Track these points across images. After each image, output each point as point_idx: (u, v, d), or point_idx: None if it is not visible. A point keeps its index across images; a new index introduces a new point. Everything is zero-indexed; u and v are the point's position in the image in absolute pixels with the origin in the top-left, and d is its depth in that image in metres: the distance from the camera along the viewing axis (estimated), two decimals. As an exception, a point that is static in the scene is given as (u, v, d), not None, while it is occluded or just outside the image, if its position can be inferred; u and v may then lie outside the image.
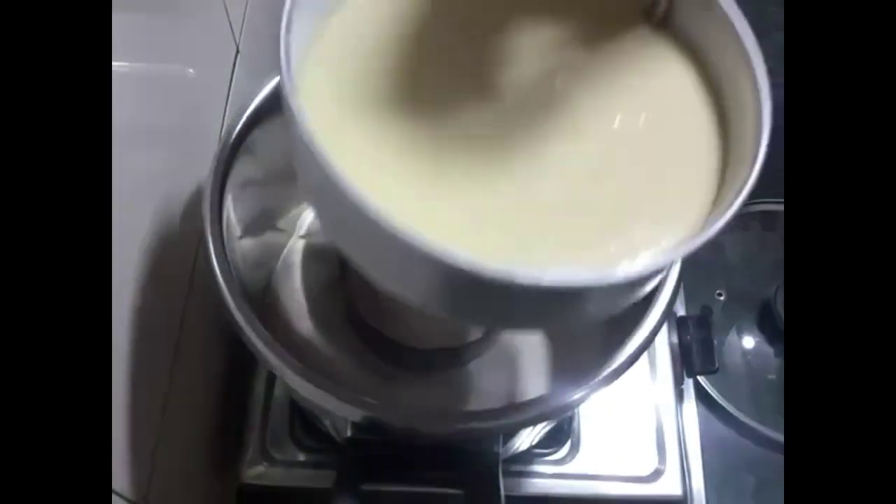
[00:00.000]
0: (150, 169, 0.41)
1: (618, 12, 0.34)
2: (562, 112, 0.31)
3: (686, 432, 0.56)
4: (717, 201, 0.29)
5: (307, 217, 0.55)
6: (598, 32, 0.34)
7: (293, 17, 0.28)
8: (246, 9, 0.56)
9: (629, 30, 0.34)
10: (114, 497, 0.35)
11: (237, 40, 0.54)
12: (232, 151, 0.41)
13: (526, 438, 0.49)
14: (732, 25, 0.30)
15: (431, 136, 0.30)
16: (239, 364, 0.54)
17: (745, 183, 0.27)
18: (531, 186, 0.29)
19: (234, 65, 0.54)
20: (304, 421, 0.53)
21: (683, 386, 0.57)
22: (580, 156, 0.30)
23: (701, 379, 0.64)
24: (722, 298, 0.73)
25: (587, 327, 0.41)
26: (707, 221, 0.28)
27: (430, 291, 0.28)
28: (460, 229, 0.28)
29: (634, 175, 0.30)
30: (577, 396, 0.36)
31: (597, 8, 0.35)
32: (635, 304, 0.36)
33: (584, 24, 0.34)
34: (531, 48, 0.33)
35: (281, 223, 0.54)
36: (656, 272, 0.29)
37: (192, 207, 0.45)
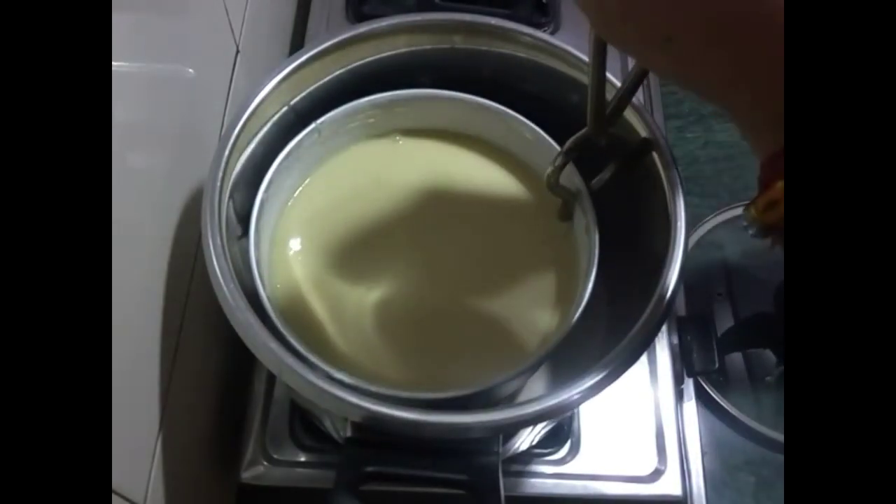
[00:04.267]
0: (150, 169, 0.41)
1: (542, 204, 0.48)
2: (452, 279, 0.46)
3: (686, 432, 0.57)
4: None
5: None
6: (509, 228, 0.48)
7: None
8: (246, 9, 0.56)
9: (541, 223, 0.48)
10: (114, 497, 0.35)
11: (237, 40, 0.54)
12: (232, 151, 0.41)
13: (526, 438, 0.49)
14: (595, 249, 0.43)
15: (376, 299, 0.45)
16: (239, 364, 0.54)
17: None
18: (436, 335, 0.44)
19: (234, 65, 0.54)
20: (304, 421, 0.53)
21: (683, 386, 0.57)
22: (454, 307, 0.45)
23: (701, 379, 0.64)
24: (722, 298, 0.73)
25: (587, 327, 0.41)
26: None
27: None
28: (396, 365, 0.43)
29: (490, 323, 0.45)
30: (577, 396, 0.36)
31: (525, 202, 0.49)
32: (635, 305, 0.39)
33: (505, 216, 0.48)
34: (452, 230, 0.47)
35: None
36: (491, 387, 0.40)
37: (192, 207, 0.45)
